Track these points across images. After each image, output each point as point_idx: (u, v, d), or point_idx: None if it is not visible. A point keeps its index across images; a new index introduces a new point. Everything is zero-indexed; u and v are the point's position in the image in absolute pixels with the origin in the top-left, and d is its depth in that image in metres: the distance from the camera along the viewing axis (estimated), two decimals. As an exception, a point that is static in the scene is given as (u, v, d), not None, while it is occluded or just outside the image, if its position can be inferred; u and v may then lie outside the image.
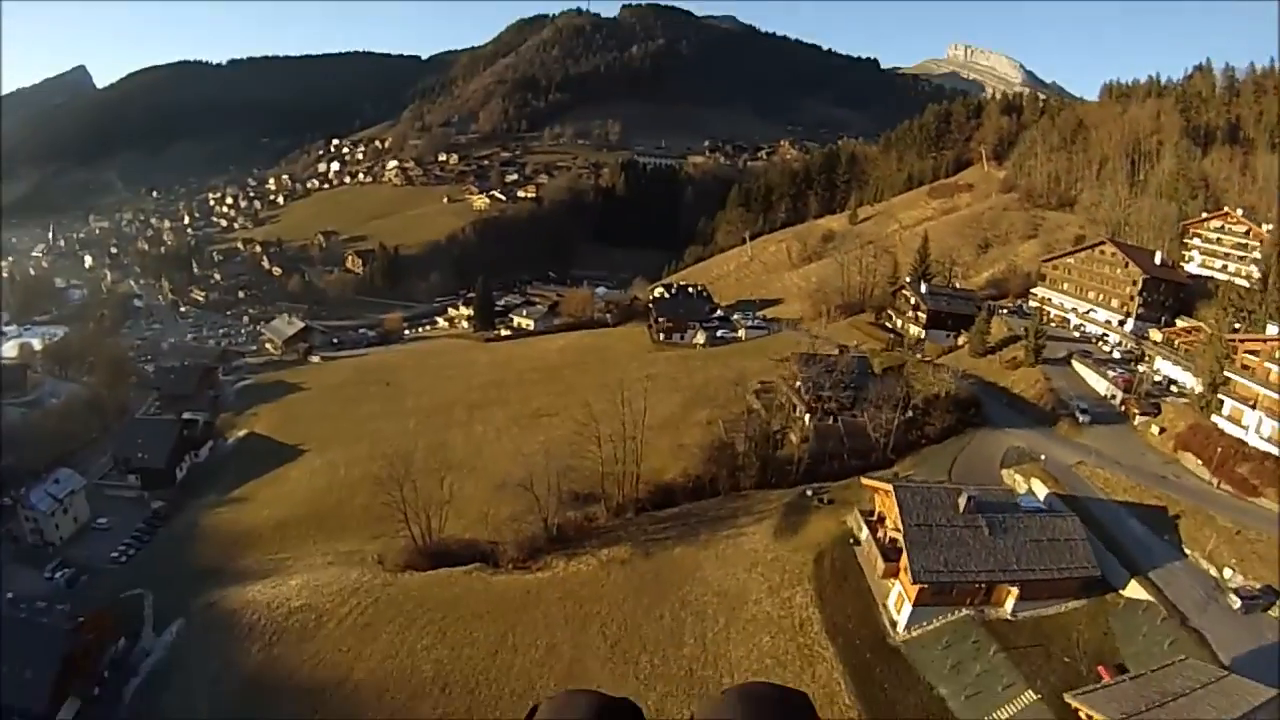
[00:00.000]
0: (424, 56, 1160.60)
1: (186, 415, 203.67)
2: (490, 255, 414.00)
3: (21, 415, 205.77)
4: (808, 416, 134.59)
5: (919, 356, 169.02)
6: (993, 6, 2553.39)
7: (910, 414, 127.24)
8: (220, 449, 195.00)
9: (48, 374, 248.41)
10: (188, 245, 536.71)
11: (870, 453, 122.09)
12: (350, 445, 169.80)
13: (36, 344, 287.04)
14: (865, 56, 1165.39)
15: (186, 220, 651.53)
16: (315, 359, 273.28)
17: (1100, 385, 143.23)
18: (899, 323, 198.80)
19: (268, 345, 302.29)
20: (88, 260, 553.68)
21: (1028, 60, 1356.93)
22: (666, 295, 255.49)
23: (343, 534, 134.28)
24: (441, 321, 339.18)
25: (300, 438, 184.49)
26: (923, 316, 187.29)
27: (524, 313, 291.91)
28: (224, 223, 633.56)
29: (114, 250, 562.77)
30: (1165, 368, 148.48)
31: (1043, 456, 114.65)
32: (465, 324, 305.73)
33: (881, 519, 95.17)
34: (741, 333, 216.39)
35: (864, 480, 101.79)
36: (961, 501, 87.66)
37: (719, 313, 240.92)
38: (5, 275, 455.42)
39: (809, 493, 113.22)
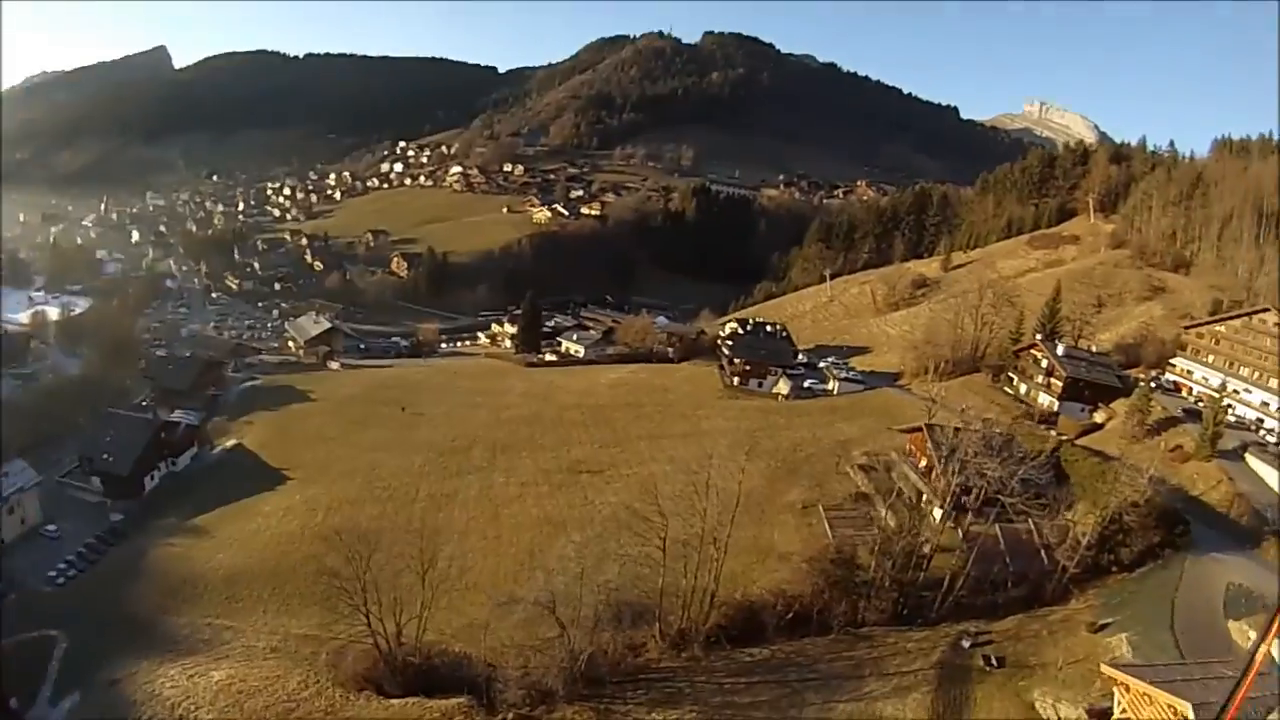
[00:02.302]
0: (501, 69, 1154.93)
1: (177, 414, 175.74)
2: (545, 272, 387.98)
3: (14, 390, 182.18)
4: (937, 513, 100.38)
5: (1062, 436, 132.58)
6: (1069, 65, 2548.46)
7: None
8: (203, 459, 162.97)
9: (59, 348, 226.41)
10: (234, 231, 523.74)
11: (1042, 580, 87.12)
12: (341, 480, 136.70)
13: (54, 314, 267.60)
14: (945, 104, 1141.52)
15: (240, 206, 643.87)
16: (334, 365, 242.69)
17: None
18: (1023, 388, 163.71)
19: (290, 344, 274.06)
20: (135, 235, 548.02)
21: (1102, 120, 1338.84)
22: (741, 332, 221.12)
23: (303, 605, 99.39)
24: (483, 338, 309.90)
25: (287, 460, 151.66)
26: (1057, 384, 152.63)
27: (574, 337, 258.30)
28: (277, 213, 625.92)
29: (162, 229, 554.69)
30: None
31: (1287, 606, 78.02)
32: (508, 343, 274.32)
33: (1127, 729, 58.91)
34: (833, 385, 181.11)
35: (1107, 669, 62.50)
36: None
37: (802, 358, 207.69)
38: (51, 242, 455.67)
39: (965, 642, 78.14)
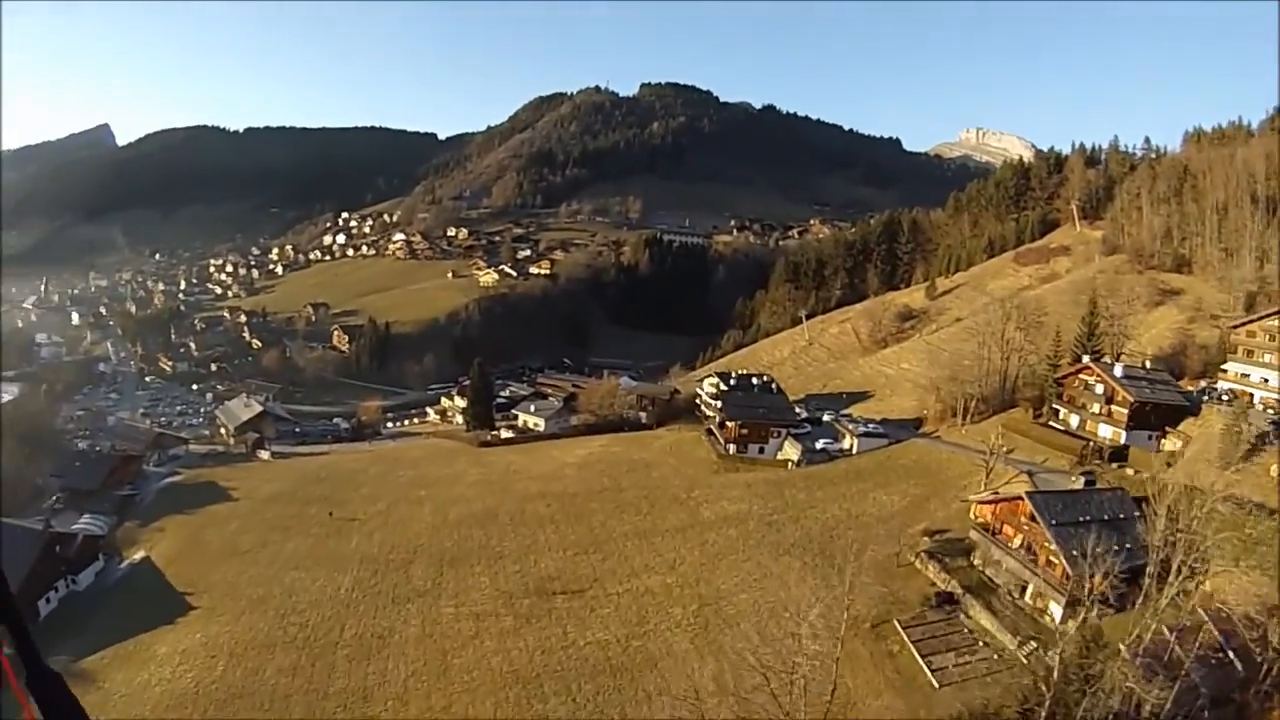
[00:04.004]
0: (441, 135, 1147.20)
1: (84, 519, 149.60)
2: (496, 338, 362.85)
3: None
4: (1055, 610, 73.30)
5: (1139, 474, 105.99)
6: (1003, 91, 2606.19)
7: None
8: (109, 574, 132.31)
9: None
10: (171, 310, 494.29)
11: (1245, 694, 60.61)
12: (251, 611, 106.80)
13: None
14: (887, 136, 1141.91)
15: (182, 285, 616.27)
16: (264, 454, 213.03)
17: None
18: (1074, 420, 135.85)
19: (221, 430, 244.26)
20: (75, 317, 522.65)
21: (1036, 138, 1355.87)
22: (726, 388, 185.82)
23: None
24: (432, 414, 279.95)
25: (194, 580, 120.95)
26: (1121, 412, 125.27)
27: (532, 408, 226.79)
28: (219, 290, 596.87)
29: (102, 310, 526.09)
30: None
31: None
32: (459, 419, 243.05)
33: None
34: (850, 443, 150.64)
35: None
36: None
37: (802, 412, 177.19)
38: None
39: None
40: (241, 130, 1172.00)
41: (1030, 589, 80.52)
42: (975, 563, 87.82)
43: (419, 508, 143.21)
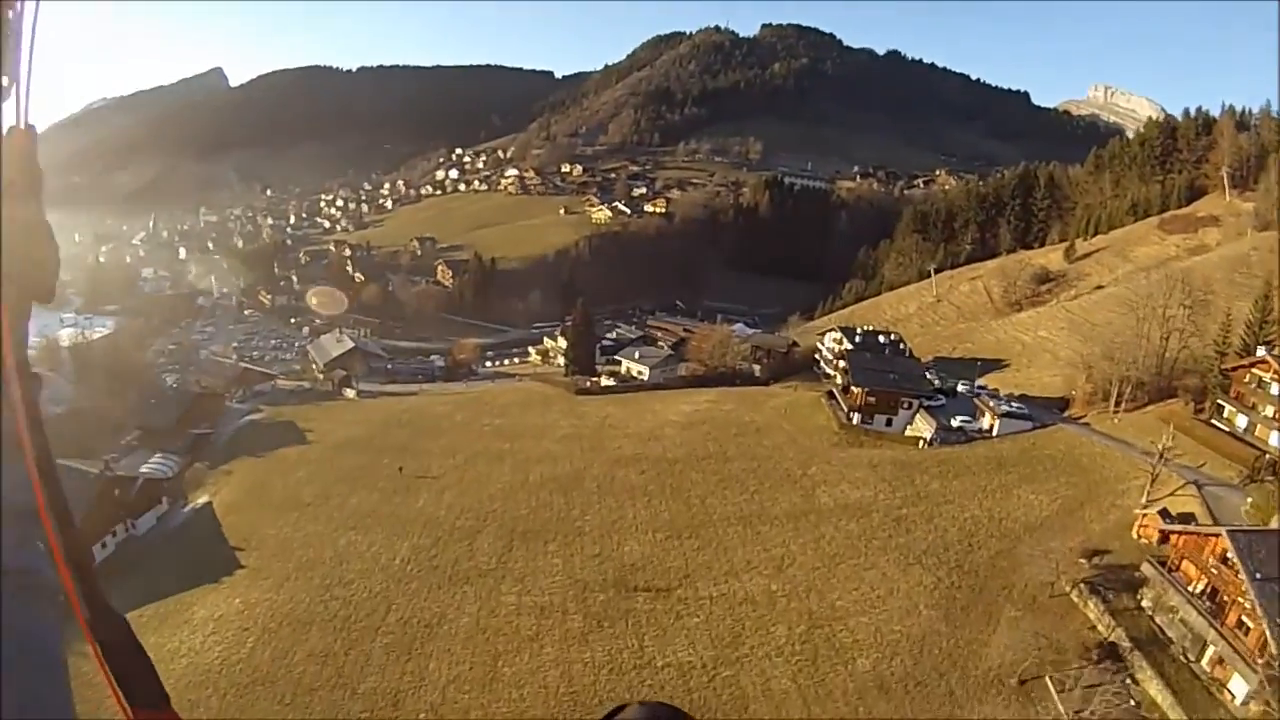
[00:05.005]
0: (558, 74, 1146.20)
1: (155, 459, 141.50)
2: (606, 277, 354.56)
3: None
4: (1239, 687, 59.59)
5: None
6: (1134, 47, 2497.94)
7: None
8: (171, 519, 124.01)
9: (69, 377, 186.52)
10: (276, 244, 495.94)
11: None
12: (297, 576, 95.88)
13: (65, 339, 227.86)
14: (1015, 89, 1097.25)
15: (291, 220, 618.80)
16: (350, 392, 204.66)
17: None
18: (1241, 421, 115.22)
19: (313, 366, 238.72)
20: (182, 252, 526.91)
21: (1167, 102, 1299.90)
22: (851, 346, 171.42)
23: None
24: (533, 354, 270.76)
25: (248, 534, 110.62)
26: None
27: (636, 354, 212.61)
28: (327, 224, 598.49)
29: (209, 244, 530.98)
30: None
31: None
32: (561, 360, 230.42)
33: None
34: (990, 422, 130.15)
35: None
36: None
37: (935, 381, 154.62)
38: (99, 261, 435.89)
39: None
40: (355, 69, 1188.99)
41: (1210, 652, 64.65)
42: (1144, 604, 71.73)
43: (498, 464, 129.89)
